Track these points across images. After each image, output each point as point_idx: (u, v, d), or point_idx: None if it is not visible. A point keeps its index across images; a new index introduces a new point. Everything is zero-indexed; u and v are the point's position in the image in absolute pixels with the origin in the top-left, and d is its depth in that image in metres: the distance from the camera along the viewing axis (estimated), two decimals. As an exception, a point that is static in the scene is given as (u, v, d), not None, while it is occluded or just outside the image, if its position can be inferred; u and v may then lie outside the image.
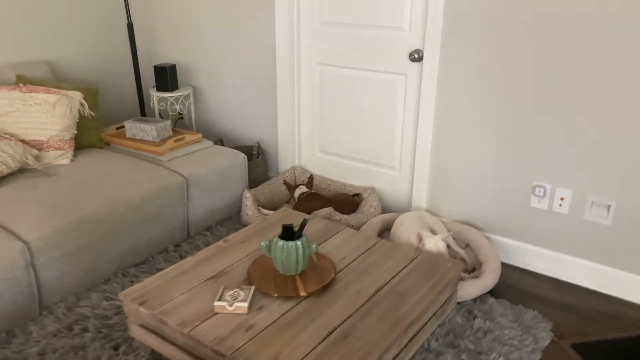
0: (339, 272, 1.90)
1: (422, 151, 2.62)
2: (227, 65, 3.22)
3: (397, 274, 1.88)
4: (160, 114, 3.58)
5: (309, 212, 2.58)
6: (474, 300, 2.15)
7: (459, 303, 2.13)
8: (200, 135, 2.84)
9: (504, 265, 2.47)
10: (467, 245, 2.50)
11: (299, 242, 1.78)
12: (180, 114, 3.52)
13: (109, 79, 3.45)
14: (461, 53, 2.37)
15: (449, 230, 2.48)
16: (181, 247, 2.55)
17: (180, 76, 3.45)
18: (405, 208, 2.85)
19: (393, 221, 2.61)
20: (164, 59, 3.50)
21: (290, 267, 1.81)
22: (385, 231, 2.63)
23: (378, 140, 2.83)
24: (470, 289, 2.11)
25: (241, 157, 2.82)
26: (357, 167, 2.97)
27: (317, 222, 2.25)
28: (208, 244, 2.57)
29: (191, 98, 3.35)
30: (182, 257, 2.46)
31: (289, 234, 1.84)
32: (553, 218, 2.34)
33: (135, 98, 3.65)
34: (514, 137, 2.34)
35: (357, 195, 2.87)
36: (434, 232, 2.47)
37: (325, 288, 1.80)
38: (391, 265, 1.94)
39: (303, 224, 1.82)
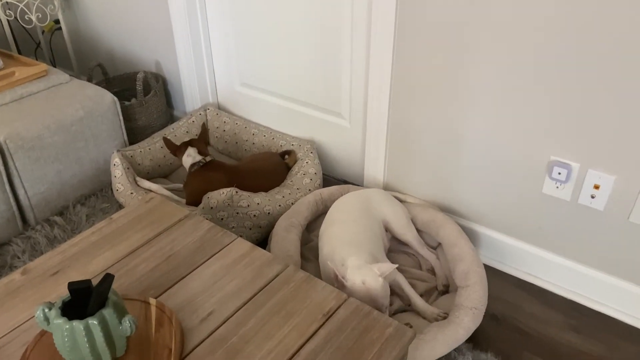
0: (189, 354, 1.06)
1: (377, 93, 1.66)
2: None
3: (291, 358, 1.04)
4: (24, 28, 2.54)
5: (203, 193, 1.68)
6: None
7: (413, 368, 1.31)
8: (44, 67, 1.86)
9: (497, 275, 1.62)
10: (439, 245, 1.64)
11: (94, 322, 0.93)
12: (57, 22, 2.49)
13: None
14: None
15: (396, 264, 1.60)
16: (10, 245, 1.70)
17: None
18: (358, 176, 1.94)
19: (332, 201, 1.73)
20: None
21: (85, 361, 0.97)
22: (321, 216, 1.75)
23: (318, 72, 1.86)
24: (432, 347, 1.27)
25: (107, 99, 1.86)
26: (292, 110, 2.02)
27: (192, 225, 1.37)
28: (54, 239, 1.72)
29: (56, 1, 2.30)
30: (4, 266, 1.62)
31: (81, 299, 0.98)
32: (579, 214, 1.44)
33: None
34: (521, 77, 1.37)
35: (289, 154, 1.95)
36: (390, 230, 1.59)
37: (152, 399, 0.98)
38: (288, 334, 1.09)
39: (102, 285, 0.96)
